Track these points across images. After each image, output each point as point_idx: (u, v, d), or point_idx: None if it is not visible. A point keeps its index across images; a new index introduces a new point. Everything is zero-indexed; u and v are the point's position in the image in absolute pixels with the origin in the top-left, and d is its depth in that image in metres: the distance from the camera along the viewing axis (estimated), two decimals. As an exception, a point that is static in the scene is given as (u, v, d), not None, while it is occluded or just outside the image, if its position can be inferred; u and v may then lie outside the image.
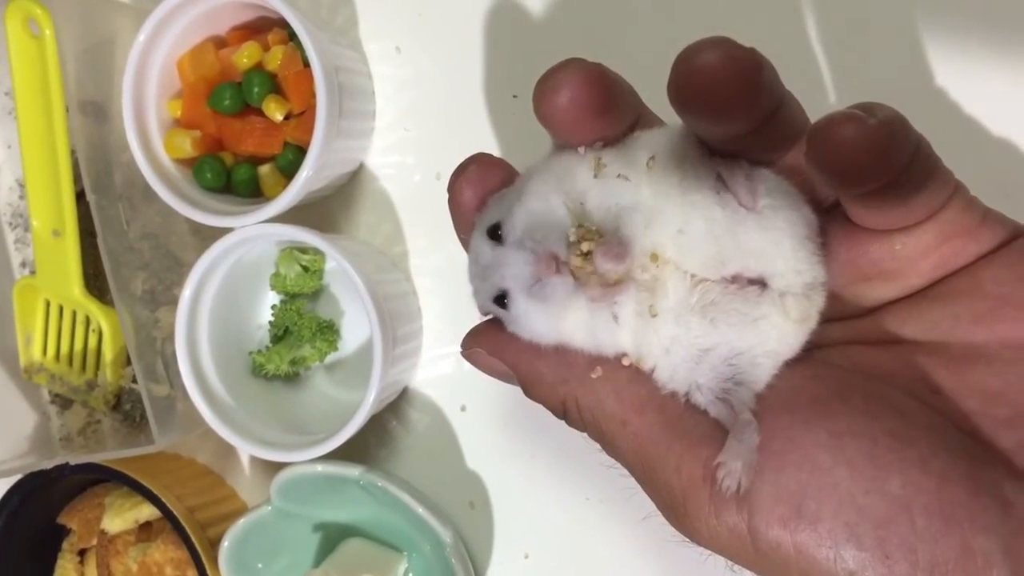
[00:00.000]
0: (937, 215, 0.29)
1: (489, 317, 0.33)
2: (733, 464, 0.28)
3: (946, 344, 0.30)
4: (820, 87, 0.52)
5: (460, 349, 0.34)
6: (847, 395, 0.29)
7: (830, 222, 0.31)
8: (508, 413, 0.59)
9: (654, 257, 0.30)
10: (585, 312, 0.30)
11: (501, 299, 0.31)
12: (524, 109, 0.58)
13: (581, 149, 0.31)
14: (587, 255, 0.29)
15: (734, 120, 0.28)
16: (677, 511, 0.30)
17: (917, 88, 0.50)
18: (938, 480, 0.27)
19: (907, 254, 0.29)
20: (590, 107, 0.30)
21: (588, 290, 0.29)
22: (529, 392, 0.33)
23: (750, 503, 0.28)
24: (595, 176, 0.30)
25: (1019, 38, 0.49)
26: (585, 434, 0.33)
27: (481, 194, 0.33)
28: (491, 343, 0.33)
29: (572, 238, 0.29)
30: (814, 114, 0.30)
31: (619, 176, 0.30)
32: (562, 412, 0.33)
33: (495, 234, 0.31)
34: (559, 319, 0.30)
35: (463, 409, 0.61)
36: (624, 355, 0.31)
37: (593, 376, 0.31)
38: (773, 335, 0.30)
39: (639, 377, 0.31)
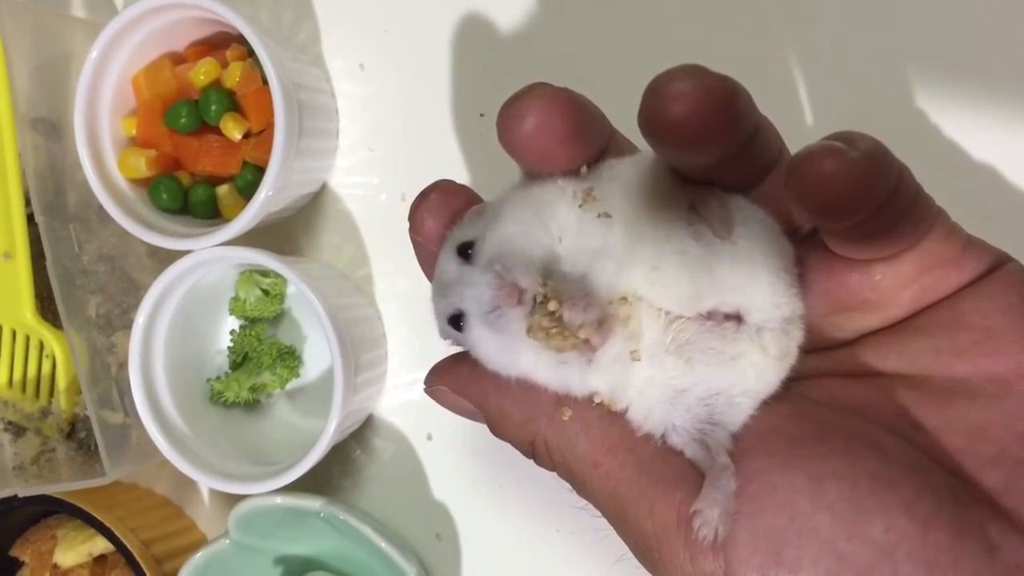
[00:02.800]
0: (918, 245, 0.28)
1: (454, 352, 0.32)
2: (710, 512, 0.27)
3: (928, 378, 0.29)
4: (796, 109, 0.51)
5: (424, 386, 0.34)
6: (827, 435, 0.28)
7: (807, 251, 0.30)
8: (476, 442, 0.58)
9: (622, 300, 0.28)
10: (550, 354, 0.28)
11: (457, 320, 0.30)
12: (491, 128, 0.56)
13: (559, 181, 0.30)
14: (553, 314, 0.28)
15: (708, 151, 0.27)
16: (651, 556, 0.29)
17: (893, 108, 0.50)
18: (922, 524, 0.26)
19: (887, 284, 0.29)
20: (557, 135, 0.28)
21: (569, 349, 0.28)
22: (496, 431, 0.32)
23: (727, 550, 0.27)
24: (580, 206, 0.29)
25: (996, 60, 0.49)
26: (555, 474, 0.31)
27: (443, 223, 0.32)
28: (456, 380, 0.32)
29: (539, 298, 0.28)
30: (790, 138, 0.30)
31: (600, 215, 0.29)
32: (531, 452, 0.32)
33: (464, 252, 0.30)
34: (514, 353, 0.29)
35: (429, 438, 0.60)
36: (595, 394, 0.30)
37: (564, 418, 0.30)
38: (751, 373, 0.29)
39: (610, 416, 0.30)
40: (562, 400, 0.30)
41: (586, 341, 0.28)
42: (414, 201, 0.33)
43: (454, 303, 0.30)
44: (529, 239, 0.29)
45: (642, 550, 0.29)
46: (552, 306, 0.28)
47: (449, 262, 0.30)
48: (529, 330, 0.28)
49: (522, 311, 0.28)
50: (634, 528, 0.29)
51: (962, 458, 0.28)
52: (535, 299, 0.28)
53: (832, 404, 0.30)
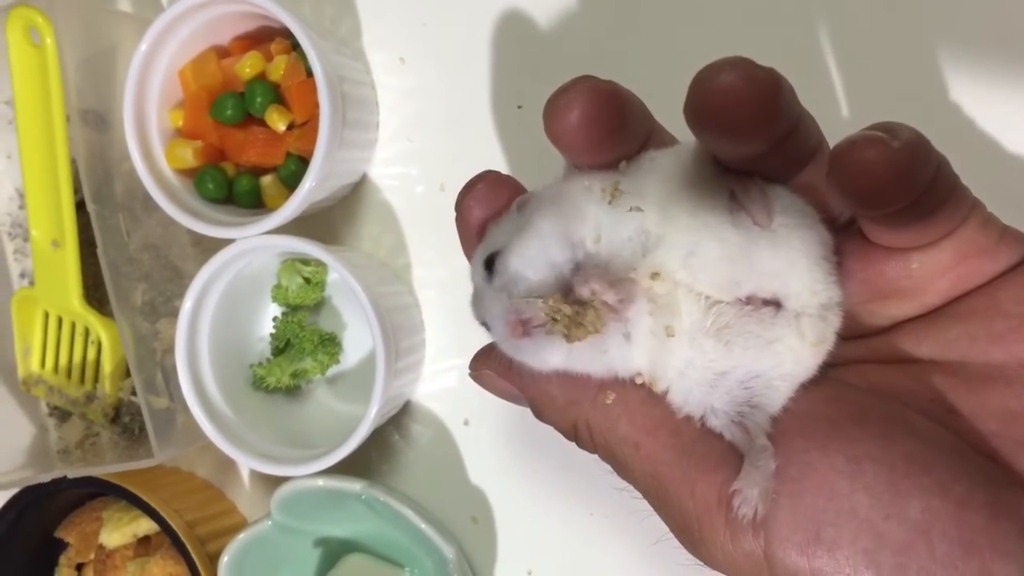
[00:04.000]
0: (954, 233, 0.28)
1: None
2: (749, 491, 0.27)
3: (963, 364, 0.29)
4: (833, 101, 0.51)
5: (469, 371, 0.34)
6: (864, 418, 0.29)
7: (845, 240, 0.30)
8: (512, 427, 0.59)
9: (655, 275, 0.29)
10: (596, 340, 0.29)
11: (486, 325, 0.31)
12: (529, 120, 0.58)
13: (586, 181, 0.31)
14: (580, 303, 0.29)
15: (752, 141, 0.27)
16: (692, 535, 0.29)
17: (929, 101, 0.50)
18: (957, 505, 0.26)
19: (924, 273, 0.29)
20: (602, 126, 0.29)
21: (587, 333, 0.29)
22: (539, 415, 0.33)
23: (767, 529, 0.27)
24: (610, 202, 0.30)
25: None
26: (596, 456, 0.32)
27: (489, 213, 0.33)
28: (500, 365, 0.32)
29: (548, 308, 0.29)
30: (827, 129, 0.30)
31: (631, 209, 0.29)
32: (573, 435, 0.32)
33: (489, 265, 0.31)
34: (538, 362, 0.30)
35: (466, 423, 0.60)
36: (637, 374, 0.30)
37: (608, 402, 0.31)
38: (789, 357, 0.30)
39: (652, 399, 0.31)
40: (605, 384, 0.31)
41: (608, 307, 0.28)
42: (461, 191, 0.33)
43: (481, 314, 0.31)
44: (549, 250, 0.30)
45: (682, 530, 0.30)
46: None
47: (476, 273, 0.32)
48: (548, 324, 0.29)
49: (532, 338, 0.29)
50: (675, 508, 0.29)
51: (997, 442, 0.28)
52: (550, 314, 0.29)
53: (869, 390, 0.30)
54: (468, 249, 0.34)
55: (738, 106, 0.26)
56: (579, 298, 0.29)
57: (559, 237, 0.30)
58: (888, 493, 0.27)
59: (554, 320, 0.28)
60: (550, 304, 0.28)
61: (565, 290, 0.29)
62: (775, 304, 0.29)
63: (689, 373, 0.30)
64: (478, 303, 0.32)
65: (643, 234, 0.29)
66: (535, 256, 0.30)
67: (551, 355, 0.30)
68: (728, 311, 0.29)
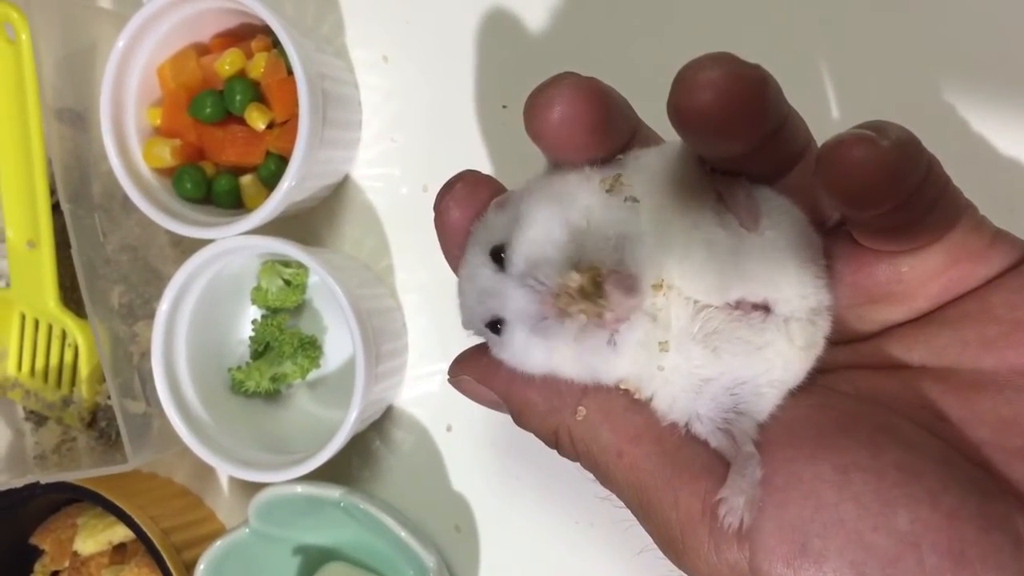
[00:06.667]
0: (946, 236, 0.28)
1: (477, 343, 0.32)
2: (735, 500, 0.27)
3: (954, 370, 0.29)
4: (822, 100, 0.51)
5: (447, 376, 0.33)
6: (853, 426, 0.28)
7: (834, 243, 0.30)
8: (495, 433, 0.58)
9: (658, 286, 0.28)
10: (581, 342, 0.28)
11: (495, 324, 0.30)
12: (514, 120, 0.57)
13: (586, 168, 0.30)
14: (596, 286, 0.27)
15: (737, 141, 0.26)
16: (675, 546, 0.29)
17: (920, 101, 0.50)
18: (948, 516, 0.26)
19: (914, 276, 0.28)
20: (584, 124, 0.28)
21: (598, 322, 0.28)
22: (520, 421, 0.32)
23: (752, 540, 0.27)
24: (608, 190, 0.29)
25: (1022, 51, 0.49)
26: (578, 464, 0.31)
27: (469, 214, 0.32)
28: (479, 370, 0.32)
29: (577, 279, 0.28)
30: (816, 129, 0.30)
31: (627, 199, 0.29)
32: (554, 442, 0.32)
33: (498, 256, 0.30)
34: (556, 353, 0.29)
35: (449, 429, 0.59)
36: (622, 381, 0.30)
37: (578, 418, 0.30)
38: (778, 363, 0.29)
39: (635, 406, 0.30)
40: (587, 391, 0.30)
41: (603, 315, 0.28)
42: (439, 191, 0.33)
43: (493, 310, 0.30)
44: (557, 236, 0.29)
45: (666, 540, 0.29)
46: (593, 278, 0.27)
47: (482, 267, 0.30)
48: (557, 299, 0.28)
49: (562, 320, 0.28)
50: (658, 518, 0.29)
51: (989, 451, 0.28)
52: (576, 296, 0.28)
53: (858, 396, 0.30)
54: (447, 250, 0.33)
55: (722, 104, 0.25)
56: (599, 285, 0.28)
57: (562, 217, 0.29)
58: (877, 503, 0.26)
59: (580, 297, 0.27)
60: (576, 283, 0.27)
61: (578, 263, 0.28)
62: (764, 309, 0.29)
63: (675, 379, 0.29)
64: (487, 297, 0.30)
65: (640, 233, 0.28)
66: (546, 240, 0.29)
67: (566, 345, 0.29)
68: (717, 316, 0.28)
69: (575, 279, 0.28)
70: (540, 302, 0.28)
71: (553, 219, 0.29)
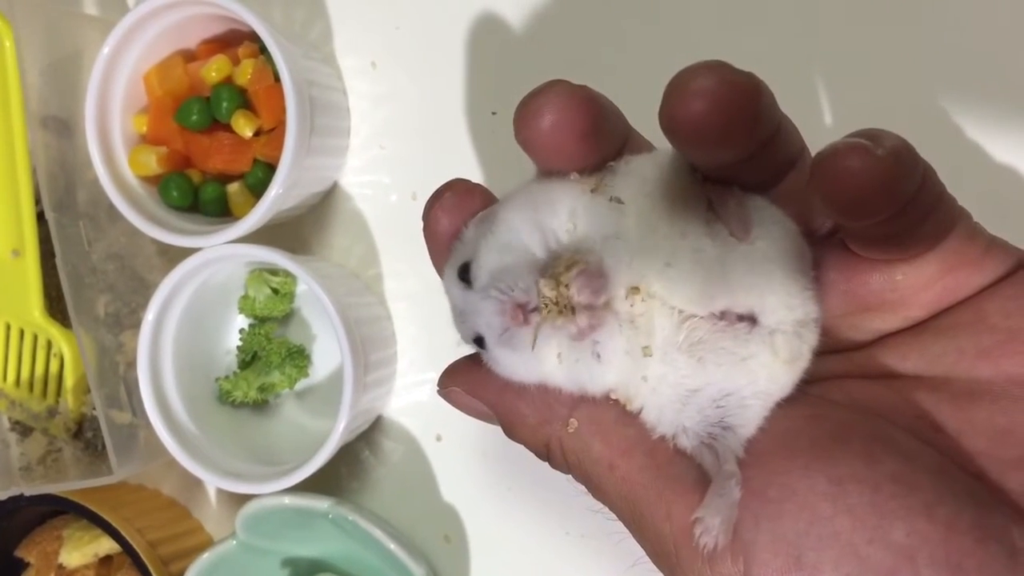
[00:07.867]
0: (940, 244, 0.27)
1: (467, 354, 0.32)
2: (711, 520, 0.26)
3: (949, 379, 0.29)
4: (815, 108, 0.51)
5: (437, 388, 0.33)
6: (847, 437, 0.28)
7: (827, 251, 0.30)
8: (486, 443, 0.58)
9: (634, 291, 0.28)
10: (564, 352, 0.28)
11: (480, 342, 0.30)
12: (504, 126, 0.56)
13: (573, 175, 0.29)
14: (564, 286, 0.27)
15: (729, 149, 0.26)
16: (668, 560, 0.28)
17: (915, 108, 0.50)
18: (944, 528, 0.25)
19: (909, 285, 0.28)
20: (575, 132, 0.28)
21: (565, 327, 0.28)
22: (510, 433, 0.32)
23: (746, 553, 0.26)
24: (593, 190, 0.29)
25: (1020, 60, 0.49)
26: (569, 477, 0.31)
27: (458, 223, 0.31)
28: (469, 382, 0.32)
29: (545, 282, 0.28)
30: (809, 137, 0.29)
31: (612, 199, 0.28)
32: (545, 454, 0.31)
33: (464, 276, 0.30)
34: (535, 363, 0.29)
35: (439, 439, 0.59)
36: (611, 391, 0.29)
37: (570, 431, 0.30)
38: (763, 375, 0.29)
39: (626, 418, 0.30)
40: (578, 402, 0.30)
41: (574, 320, 0.27)
42: (428, 200, 0.32)
43: (472, 328, 0.30)
44: (524, 242, 0.29)
45: (659, 554, 0.29)
46: (563, 278, 0.27)
47: (453, 287, 0.30)
48: (546, 310, 0.27)
49: (530, 327, 0.28)
50: (651, 531, 0.29)
51: (984, 461, 0.27)
52: (542, 302, 0.28)
53: (852, 406, 0.30)
54: (437, 260, 0.33)
55: (715, 113, 0.25)
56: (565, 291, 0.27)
57: (533, 225, 0.29)
58: (872, 516, 0.26)
59: (552, 304, 0.27)
60: (542, 287, 0.27)
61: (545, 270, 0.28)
62: (750, 320, 0.28)
63: (661, 389, 0.29)
64: (463, 316, 0.30)
65: (623, 233, 0.28)
66: (509, 248, 0.29)
67: (547, 355, 0.28)
68: (702, 326, 0.28)
69: (540, 284, 0.27)
70: (500, 312, 0.28)
71: (522, 226, 0.29)
